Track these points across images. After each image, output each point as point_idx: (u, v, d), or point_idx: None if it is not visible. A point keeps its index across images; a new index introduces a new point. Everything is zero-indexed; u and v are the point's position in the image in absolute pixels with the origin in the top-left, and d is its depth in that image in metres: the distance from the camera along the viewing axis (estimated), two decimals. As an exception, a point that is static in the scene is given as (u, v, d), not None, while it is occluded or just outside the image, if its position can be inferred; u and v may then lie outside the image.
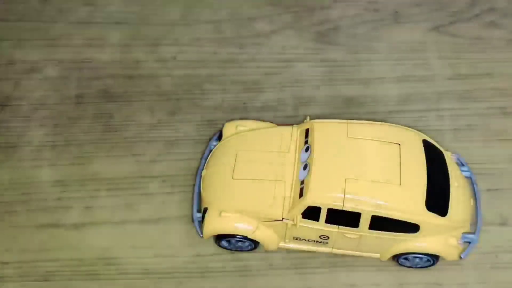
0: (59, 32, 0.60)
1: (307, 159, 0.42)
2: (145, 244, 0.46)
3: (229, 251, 0.45)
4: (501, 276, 0.44)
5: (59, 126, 0.53)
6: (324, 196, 0.40)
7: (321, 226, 0.42)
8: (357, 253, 0.45)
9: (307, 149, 0.43)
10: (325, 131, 0.43)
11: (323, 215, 0.41)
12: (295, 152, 0.44)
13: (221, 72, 0.56)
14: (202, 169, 0.47)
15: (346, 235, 0.42)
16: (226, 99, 0.54)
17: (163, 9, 0.62)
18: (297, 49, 0.58)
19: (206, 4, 0.62)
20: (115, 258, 0.45)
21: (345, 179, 0.40)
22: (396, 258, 0.44)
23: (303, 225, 0.41)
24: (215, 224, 0.43)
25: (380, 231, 0.41)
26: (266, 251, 0.45)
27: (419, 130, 0.51)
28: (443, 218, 0.41)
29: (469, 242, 0.43)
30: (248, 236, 0.43)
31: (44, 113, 0.53)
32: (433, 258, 0.43)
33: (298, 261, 0.45)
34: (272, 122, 0.49)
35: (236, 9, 0.62)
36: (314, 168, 0.41)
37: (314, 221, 0.42)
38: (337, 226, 0.42)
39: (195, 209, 0.46)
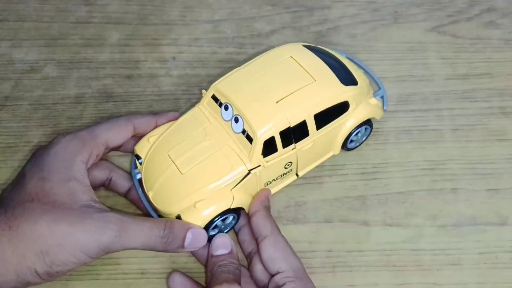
0: (58, 32, 0.60)
1: (233, 113, 0.44)
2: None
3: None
4: (501, 276, 0.44)
5: (59, 126, 0.53)
6: (271, 125, 0.43)
7: (281, 153, 0.44)
8: (317, 162, 0.49)
9: (226, 108, 0.45)
10: (230, 84, 0.46)
11: (278, 141, 0.44)
12: (216, 119, 0.46)
13: (220, 72, 0.56)
14: (145, 196, 0.46)
15: (303, 148, 0.46)
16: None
17: (162, 9, 0.62)
18: (296, 49, 0.58)
19: (205, 4, 0.62)
20: (114, 258, 0.45)
21: (276, 102, 0.44)
22: (345, 146, 0.49)
23: (269, 162, 0.44)
24: (198, 218, 0.43)
25: (325, 126, 0.46)
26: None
27: (419, 130, 0.52)
28: (357, 86, 0.47)
29: (382, 96, 0.51)
30: (231, 207, 0.43)
31: (43, 113, 0.53)
32: (368, 124, 0.49)
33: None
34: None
35: (235, 9, 0.62)
36: (246, 111, 0.44)
37: (274, 154, 0.44)
38: (293, 144, 0.45)
39: None
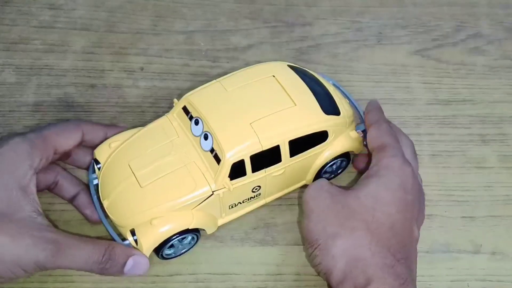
0: (19, 36, 0.67)
1: (203, 129, 0.49)
2: (100, 262, 0.52)
3: (191, 275, 0.51)
4: (473, 307, 0.51)
5: (13, 134, 0.58)
6: (242, 147, 0.47)
7: (250, 177, 0.49)
8: (287, 190, 0.55)
9: (196, 122, 0.50)
10: (204, 97, 0.50)
11: (248, 165, 0.48)
12: (185, 133, 0.50)
13: (191, 85, 0.62)
14: (99, 203, 0.51)
15: (274, 174, 0.50)
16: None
17: (132, 17, 0.70)
18: (274, 66, 0.66)
19: (179, 14, 0.70)
20: (67, 276, 0.50)
21: (250, 123, 0.48)
22: (318, 176, 0.54)
23: (235, 185, 0.48)
24: (153, 236, 0.48)
25: (299, 154, 0.51)
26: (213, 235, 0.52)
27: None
28: (339, 117, 0.52)
29: (363, 130, 0.54)
30: (190, 227, 0.48)
31: (-2, 120, 0.59)
32: (346, 157, 0.55)
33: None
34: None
35: (211, 21, 0.70)
36: (217, 130, 0.48)
37: (242, 178, 0.49)
38: (264, 170, 0.49)
39: (117, 239, 0.50)
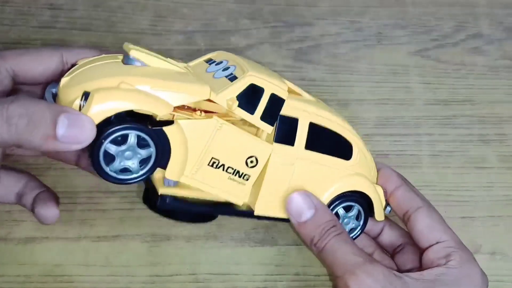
0: (19, 36, 0.66)
1: (227, 65, 0.43)
2: (100, 262, 0.51)
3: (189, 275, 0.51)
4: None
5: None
6: (268, 78, 0.41)
7: (255, 119, 0.41)
8: (280, 213, 0.44)
9: (219, 63, 0.44)
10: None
11: (263, 102, 0.40)
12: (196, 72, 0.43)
13: (191, 85, 0.63)
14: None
15: (281, 160, 0.42)
16: (195, 114, 0.61)
17: (132, 16, 0.70)
18: (274, 65, 0.66)
19: (179, 14, 0.70)
20: (66, 276, 0.50)
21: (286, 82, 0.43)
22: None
23: (238, 113, 0.40)
24: (111, 96, 0.36)
25: (316, 152, 0.43)
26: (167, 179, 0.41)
27: (396, 155, 0.59)
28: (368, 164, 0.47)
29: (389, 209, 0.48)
30: (158, 118, 0.38)
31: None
32: (363, 209, 0.46)
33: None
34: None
35: (211, 21, 0.70)
36: (248, 66, 0.42)
37: (248, 113, 0.40)
38: (272, 126, 0.41)
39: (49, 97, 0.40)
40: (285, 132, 0.42)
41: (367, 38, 0.70)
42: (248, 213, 0.44)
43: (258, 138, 0.41)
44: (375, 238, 0.50)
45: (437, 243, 0.44)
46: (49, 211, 0.43)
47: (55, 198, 0.43)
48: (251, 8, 0.71)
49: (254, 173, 0.42)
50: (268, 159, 0.42)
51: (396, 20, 0.71)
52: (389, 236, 0.49)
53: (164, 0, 0.71)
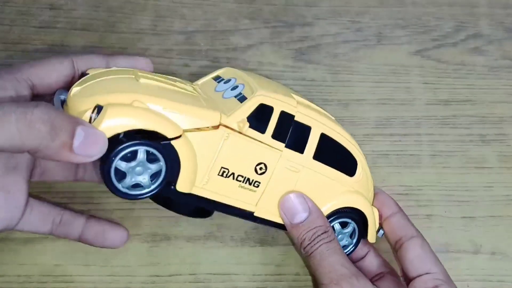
0: (19, 36, 0.67)
1: (236, 83, 0.44)
2: (100, 262, 0.52)
3: (191, 276, 0.51)
4: (474, 307, 0.51)
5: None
6: (276, 95, 0.41)
7: (267, 139, 0.42)
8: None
9: (227, 81, 0.44)
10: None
11: (273, 120, 0.41)
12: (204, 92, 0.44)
13: (191, 85, 0.63)
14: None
15: (287, 165, 0.43)
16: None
17: (132, 16, 0.70)
18: (274, 65, 0.66)
19: (179, 14, 0.70)
20: (66, 276, 0.51)
21: (294, 95, 0.44)
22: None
23: (249, 134, 0.41)
24: (123, 113, 0.37)
25: (322, 164, 0.44)
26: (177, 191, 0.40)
27: (397, 155, 0.59)
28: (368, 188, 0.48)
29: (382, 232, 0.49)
30: (169, 136, 0.38)
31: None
32: (359, 229, 0.47)
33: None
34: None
35: (211, 21, 0.70)
36: (256, 84, 0.42)
37: (259, 133, 0.41)
38: (283, 143, 0.42)
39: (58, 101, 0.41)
40: (297, 139, 0.43)
41: (367, 38, 0.70)
42: (247, 214, 0.45)
43: (266, 145, 0.42)
44: (356, 262, 0.50)
45: (426, 273, 0.45)
46: (119, 234, 0.46)
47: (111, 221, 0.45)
48: (251, 8, 0.71)
49: (264, 179, 0.43)
50: (277, 166, 0.43)
51: (396, 20, 0.71)
52: (371, 263, 0.50)
53: (164, 0, 0.71)
